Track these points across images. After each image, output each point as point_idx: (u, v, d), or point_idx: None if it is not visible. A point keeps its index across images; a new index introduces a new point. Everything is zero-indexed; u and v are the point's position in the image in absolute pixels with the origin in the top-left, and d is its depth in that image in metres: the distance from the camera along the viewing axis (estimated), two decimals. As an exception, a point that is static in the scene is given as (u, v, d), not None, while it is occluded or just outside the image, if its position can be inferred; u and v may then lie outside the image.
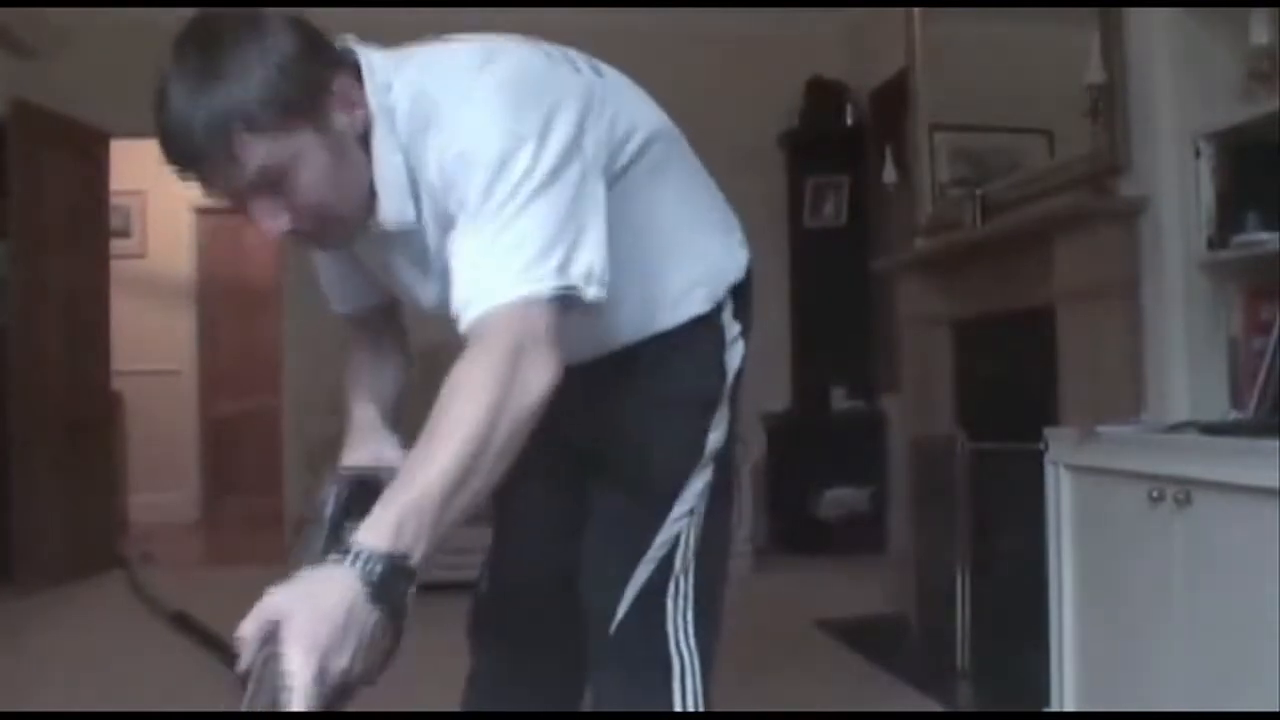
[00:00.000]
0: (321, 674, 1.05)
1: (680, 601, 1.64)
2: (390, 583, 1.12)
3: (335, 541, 1.27)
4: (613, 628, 1.59)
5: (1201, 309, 2.85)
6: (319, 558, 1.23)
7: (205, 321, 8.00)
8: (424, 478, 1.16)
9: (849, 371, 6.14)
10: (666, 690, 1.58)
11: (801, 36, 6.26)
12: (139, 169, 7.30)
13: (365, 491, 1.38)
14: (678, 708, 1.57)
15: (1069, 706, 2.67)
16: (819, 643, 4.09)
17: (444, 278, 1.35)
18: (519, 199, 1.28)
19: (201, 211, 7.95)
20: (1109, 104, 3.11)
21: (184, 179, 1.40)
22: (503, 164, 1.28)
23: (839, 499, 5.93)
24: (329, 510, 1.38)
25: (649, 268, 1.57)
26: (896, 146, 4.67)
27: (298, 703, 1.02)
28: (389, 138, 1.40)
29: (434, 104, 1.38)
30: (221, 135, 1.30)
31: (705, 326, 1.65)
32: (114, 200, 6.30)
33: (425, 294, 1.54)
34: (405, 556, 1.13)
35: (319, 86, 1.37)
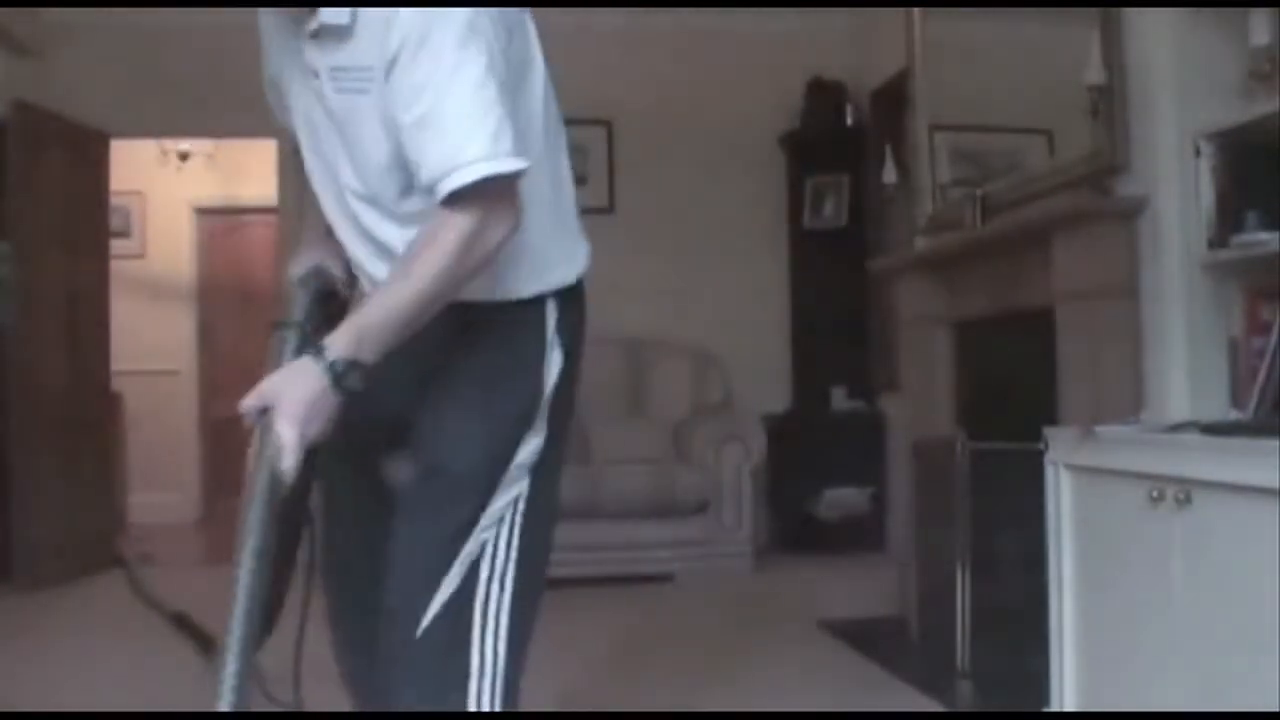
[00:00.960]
0: (301, 438, 1.46)
1: (491, 611, 1.68)
2: (348, 378, 1.49)
3: (305, 340, 1.63)
4: (419, 631, 1.64)
5: (1201, 309, 2.85)
6: (295, 354, 1.59)
7: (205, 321, 8.00)
8: (385, 307, 1.53)
9: (849, 371, 6.14)
10: (462, 693, 1.64)
11: (801, 36, 6.26)
12: (139, 169, 7.35)
13: (320, 293, 1.76)
14: (472, 708, 1.63)
15: (1069, 706, 2.67)
16: (819, 643, 4.09)
17: (347, 110, 1.60)
18: (467, 79, 1.49)
19: (201, 211, 7.95)
20: (1109, 104, 3.11)
21: None
22: (459, 46, 1.49)
23: (839, 499, 5.93)
24: (298, 315, 1.71)
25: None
26: (896, 146, 4.67)
27: (287, 459, 1.45)
28: None
29: None
30: None
31: (527, 329, 1.70)
32: (114, 200, 6.30)
33: (326, 140, 1.70)
34: (360, 361, 1.50)
35: None
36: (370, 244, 1.71)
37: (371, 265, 1.72)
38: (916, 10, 4.35)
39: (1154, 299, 2.97)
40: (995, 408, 3.79)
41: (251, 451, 1.48)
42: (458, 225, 1.50)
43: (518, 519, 1.70)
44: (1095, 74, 3.11)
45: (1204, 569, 2.21)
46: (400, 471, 1.72)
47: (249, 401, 1.49)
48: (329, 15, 1.55)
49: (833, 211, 6.22)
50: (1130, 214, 3.03)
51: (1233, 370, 2.77)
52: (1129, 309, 3.02)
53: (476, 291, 1.62)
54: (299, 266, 1.82)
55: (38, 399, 5.38)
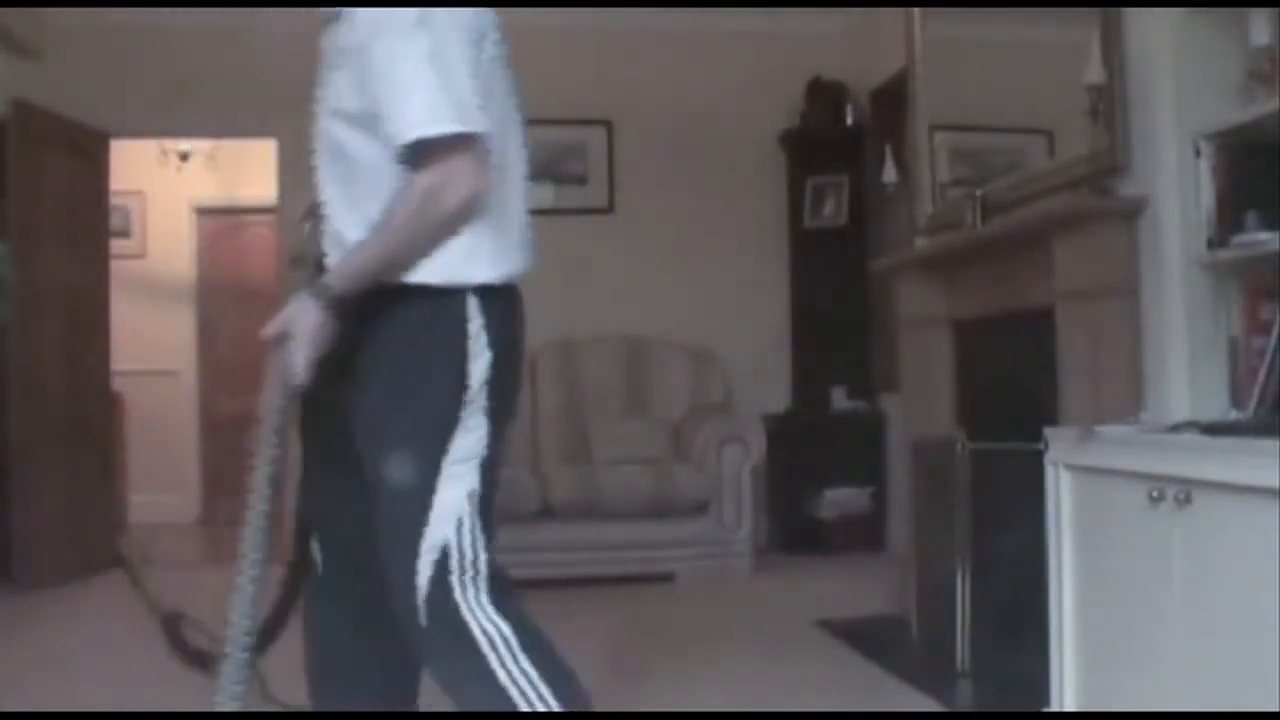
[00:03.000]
0: (309, 359, 1.80)
1: (470, 591, 1.80)
2: (339, 308, 1.80)
3: (316, 275, 1.89)
4: (421, 621, 1.80)
5: (1201, 309, 2.85)
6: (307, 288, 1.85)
7: (205, 321, 8.00)
8: (363, 255, 1.80)
9: (849, 371, 6.14)
10: (487, 667, 1.77)
11: (801, 36, 6.27)
12: (139, 169, 7.35)
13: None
14: (502, 678, 1.75)
15: (1069, 706, 2.67)
16: (819, 643, 4.09)
17: (328, 90, 1.87)
18: (450, 46, 1.76)
19: (201, 211, 7.95)
20: (1109, 104, 3.11)
21: None
22: (418, 24, 1.74)
23: (839, 499, 5.93)
24: (312, 249, 1.96)
25: None
26: (896, 146, 4.68)
27: (300, 365, 1.80)
28: None
29: None
30: None
31: (443, 324, 1.81)
32: (114, 200, 6.30)
33: (317, 115, 1.92)
34: (343, 294, 1.80)
35: None
36: (329, 209, 1.94)
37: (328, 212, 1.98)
38: (916, 10, 4.35)
39: (1154, 299, 2.97)
40: (995, 408, 3.79)
41: (272, 373, 1.85)
42: (418, 182, 1.74)
43: (475, 516, 1.82)
44: (1095, 74, 3.11)
45: (1204, 569, 2.21)
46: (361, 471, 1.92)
47: (272, 328, 1.82)
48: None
49: (833, 211, 6.22)
50: (1130, 214, 3.03)
51: (1233, 370, 2.77)
52: (1129, 309, 3.02)
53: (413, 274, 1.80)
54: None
55: (38, 399, 5.38)
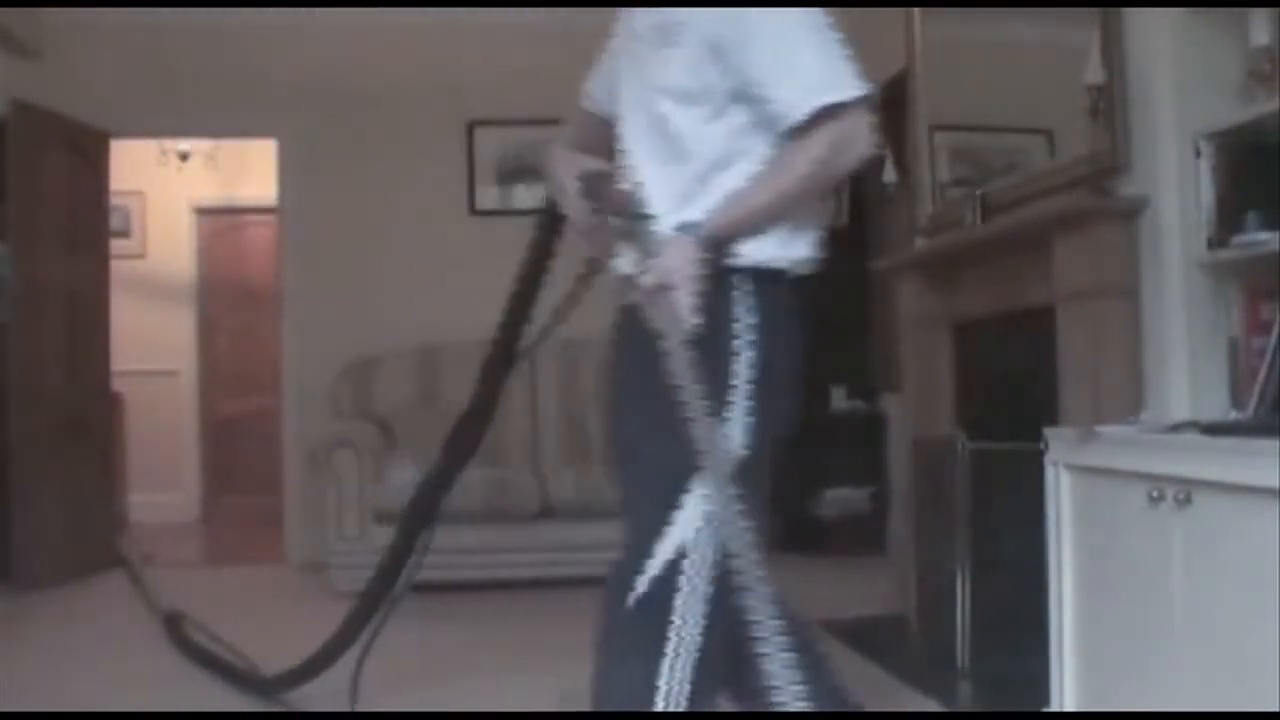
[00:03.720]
0: (696, 299, 1.74)
1: (690, 587, 1.77)
2: (713, 247, 1.77)
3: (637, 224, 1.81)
4: (630, 602, 1.79)
5: (1201, 309, 2.85)
6: (652, 235, 1.79)
7: (205, 321, 8.00)
8: (751, 198, 1.79)
9: (849, 371, 6.14)
10: (655, 668, 1.75)
11: (801, 36, 6.26)
12: (139, 169, 7.35)
13: (594, 184, 1.91)
14: (660, 684, 1.74)
15: (1069, 706, 2.67)
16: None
17: (652, 70, 1.87)
18: (825, 21, 1.79)
19: (201, 211, 7.95)
20: (1109, 104, 3.10)
21: None
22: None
23: (839, 499, 5.93)
24: (641, 207, 1.83)
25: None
26: (896, 146, 4.67)
27: (684, 298, 1.73)
28: None
29: None
30: None
31: (715, 304, 1.78)
32: (114, 200, 6.30)
33: (624, 91, 1.98)
34: (724, 237, 1.78)
35: None
36: (663, 193, 1.86)
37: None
38: (916, 10, 4.35)
39: (1154, 299, 2.97)
40: (995, 408, 3.79)
41: (656, 314, 1.76)
42: (820, 138, 1.75)
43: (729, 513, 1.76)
44: (1095, 74, 3.10)
45: (1204, 569, 2.21)
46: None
47: (649, 279, 1.75)
48: None
49: (833, 211, 6.22)
50: (1130, 214, 3.03)
51: (1233, 370, 2.77)
52: (1129, 309, 3.02)
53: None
54: (594, 167, 1.95)
55: (38, 399, 5.38)
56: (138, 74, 5.93)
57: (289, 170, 6.17)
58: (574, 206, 1.95)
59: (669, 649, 1.75)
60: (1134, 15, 3.04)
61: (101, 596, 5.10)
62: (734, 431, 1.81)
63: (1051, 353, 3.20)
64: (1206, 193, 2.79)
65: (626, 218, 1.82)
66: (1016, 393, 3.62)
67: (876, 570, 5.09)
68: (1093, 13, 3.14)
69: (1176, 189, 2.89)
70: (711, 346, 1.77)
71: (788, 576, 6.03)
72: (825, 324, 6.35)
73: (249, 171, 7.54)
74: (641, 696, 1.75)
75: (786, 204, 1.79)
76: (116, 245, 6.44)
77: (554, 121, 7.13)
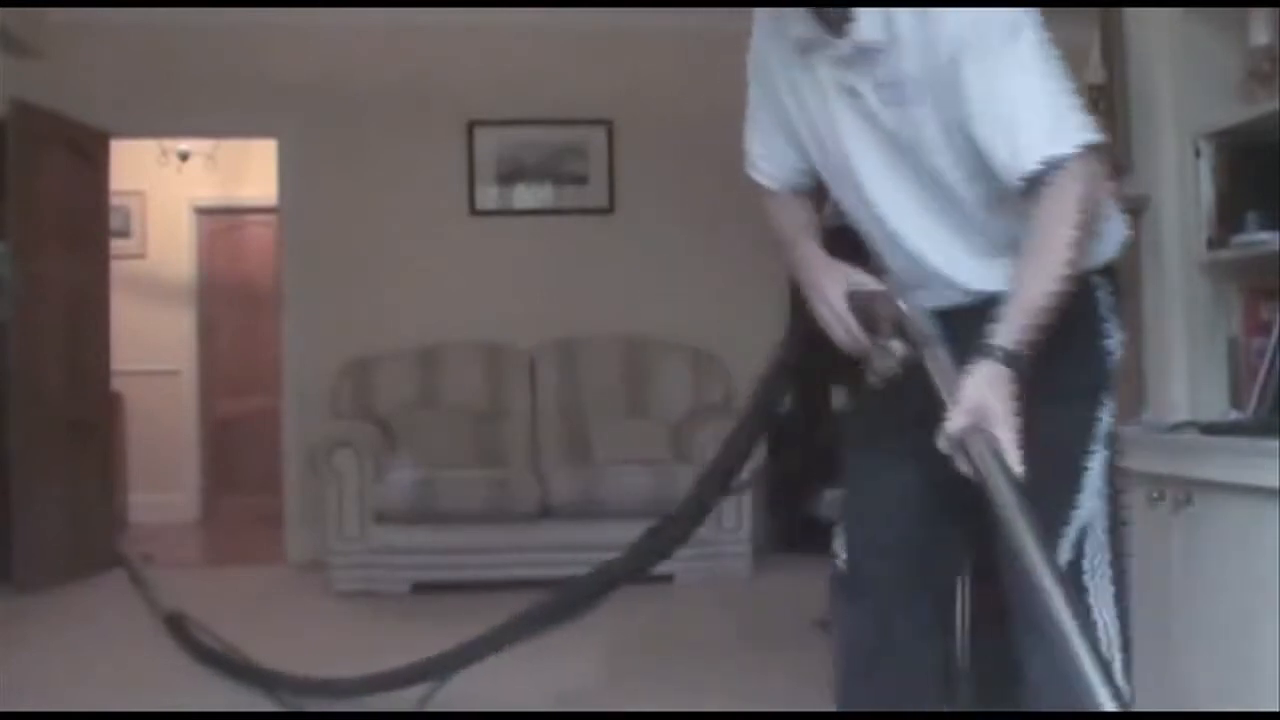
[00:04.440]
0: (1014, 434, 1.50)
1: (1097, 579, 1.73)
2: (1022, 366, 1.54)
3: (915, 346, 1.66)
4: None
5: (1201, 309, 2.85)
6: (956, 363, 1.60)
7: (205, 321, 8.00)
8: (1033, 295, 1.56)
9: (849, 371, 6.12)
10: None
11: (801, 36, 6.26)
12: (139, 169, 7.35)
13: (866, 305, 1.77)
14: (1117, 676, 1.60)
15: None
16: (819, 643, 4.08)
17: (900, 133, 1.67)
18: (1043, 58, 1.62)
19: (201, 211, 7.95)
20: (1109, 104, 3.10)
21: None
22: (1018, 26, 1.62)
23: (839, 499, 5.92)
24: (927, 328, 1.68)
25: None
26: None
27: (1014, 464, 1.48)
28: None
29: None
30: None
31: (1075, 306, 1.66)
32: (114, 200, 6.30)
33: (870, 170, 1.76)
34: (1023, 350, 1.55)
35: None
36: (933, 251, 1.77)
37: (928, 273, 1.78)
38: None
39: (1154, 299, 2.96)
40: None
41: (974, 464, 1.51)
42: (1066, 197, 1.56)
43: (1108, 488, 1.76)
44: (1095, 74, 3.10)
45: (1204, 569, 2.21)
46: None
47: (960, 423, 1.51)
48: (866, 33, 1.63)
49: (833, 210, 6.20)
50: (1130, 214, 3.02)
51: (1233, 370, 2.77)
52: (1129, 309, 3.01)
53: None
54: (865, 284, 1.81)
55: (38, 399, 5.38)
56: (138, 74, 5.93)
57: (289, 170, 6.17)
58: (846, 330, 1.83)
59: (1097, 633, 1.68)
60: (1134, 15, 3.04)
61: (101, 596, 5.10)
62: (1110, 406, 1.81)
63: (1051, 353, 3.20)
64: (1206, 193, 2.78)
65: (912, 343, 1.67)
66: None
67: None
68: (1093, 13, 3.14)
69: (1176, 189, 2.89)
70: (1084, 353, 1.76)
71: (788, 576, 6.02)
72: (825, 341, 6.40)
73: (249, 171, 7.54)
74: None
75: (1067, 280, 1.57)
76: (116, 245, 6.43)
77: (554, 122, 7.12)
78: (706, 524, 5.32)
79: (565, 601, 2.97)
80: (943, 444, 1.53)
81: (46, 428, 5.42)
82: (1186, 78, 2.89)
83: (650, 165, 6.27)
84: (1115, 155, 1.70)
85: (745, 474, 2.55)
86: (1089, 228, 1.58)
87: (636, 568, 2.83)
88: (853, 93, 1.70)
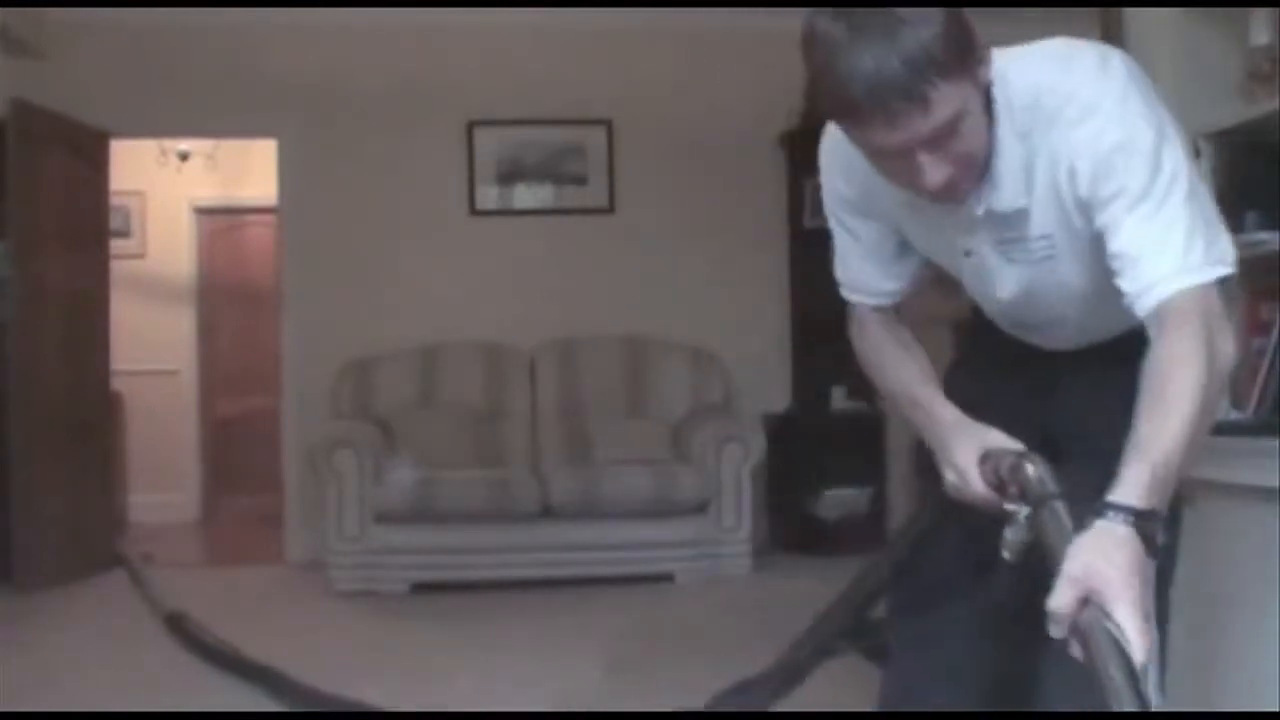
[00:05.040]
0: (1144, 617, 1.22)
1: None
2: (1153, 531, 1.30)
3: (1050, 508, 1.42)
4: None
5: (1201, 309, 2.84)
6: (1075, 524, 1.35)
7: (205, 321, 8.00)
8: (1160, 443, 1.34)
9: (849, 371, 6.11)
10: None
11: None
12: (139, 169, 7.35)
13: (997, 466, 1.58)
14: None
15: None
16: (819, 643, 4.08)
17: (1030, 265, 1.58)
18: (1179, 186, 1.45)
19: (201, 211, 7.96)
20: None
21: (858, 123, 1.43)
22: (1156, 153, 1.45)
23: (839, 499, 5.93)
24: (1048, 486, 1.46)
25: None
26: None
27: (1137, 652, 1.18)
28: (1007, 123, 1.52)
29: (1065, 98, 1.52)
30: (919, 77, 1.37)
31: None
32: (114, 200, 6.30)
33: (1003, 280, 1.66)
34: (1157, 510, 1.32)
35: (975, 39, 1.49)
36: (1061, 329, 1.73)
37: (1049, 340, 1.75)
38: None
39: (1154, 299, 2.96)
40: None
41: (1092, 655, 1.23)
42: (1189, 335, 1.39)
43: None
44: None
45: (1204, 569, 2.21)
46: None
47: (1065, 596, 1.24)
48: (1005, 203, 1.53)
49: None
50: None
51: (1233, 370, 2.76)
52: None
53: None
54: (999, 445, 1.64)
55: (38, 399, 5.38)
56: (138, 74, 5.93)
57: (289, 170, 6.17)
58: (977, 494, 1.65)
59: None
60: (1134, 15, 3.04)
61: (101, 596, 5.10)
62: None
63: (1051, 353, 3.20)
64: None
65: (1034, 504, 1.47)
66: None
67: (876, 570, 5.08)
68: (1093, 13, 3.14)
69: (1176, 189, 2.88)
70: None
71: (788, 576, 6.02)
72: (825, 323, 6.40)
73: (249, 171, 7.54)
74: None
75: (1195, 432, 1.37)
76: (116, 245, 6.43)
77: (554, 122, 7.12)
78: (706, 523, 5.37)
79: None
80: (1052, 629, 1.27)
81: (46, 428, 5.42)
82: (1186, 78, 2.89)
83: (650, 165, 6.27)
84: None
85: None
86: (1216, 368, 1.40)
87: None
88: (966, 253, 1.64)
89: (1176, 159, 1.47)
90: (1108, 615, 1.21)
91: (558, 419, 5.92)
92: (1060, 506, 1.42)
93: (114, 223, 6.42)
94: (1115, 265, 1.48)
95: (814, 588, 5.08)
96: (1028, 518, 1.49)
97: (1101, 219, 1.48)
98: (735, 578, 5.36)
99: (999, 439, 1.63)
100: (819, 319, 6.19)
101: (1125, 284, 1.46)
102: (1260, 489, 2.03)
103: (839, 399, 6.13)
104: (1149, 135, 1.46)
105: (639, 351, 6.07)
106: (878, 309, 1.88)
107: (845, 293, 1.89)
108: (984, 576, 1.71)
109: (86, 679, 3.65)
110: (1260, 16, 2.68)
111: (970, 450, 1.66)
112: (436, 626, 4.45)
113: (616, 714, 3.23)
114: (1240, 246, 2.69)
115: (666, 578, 5.33)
